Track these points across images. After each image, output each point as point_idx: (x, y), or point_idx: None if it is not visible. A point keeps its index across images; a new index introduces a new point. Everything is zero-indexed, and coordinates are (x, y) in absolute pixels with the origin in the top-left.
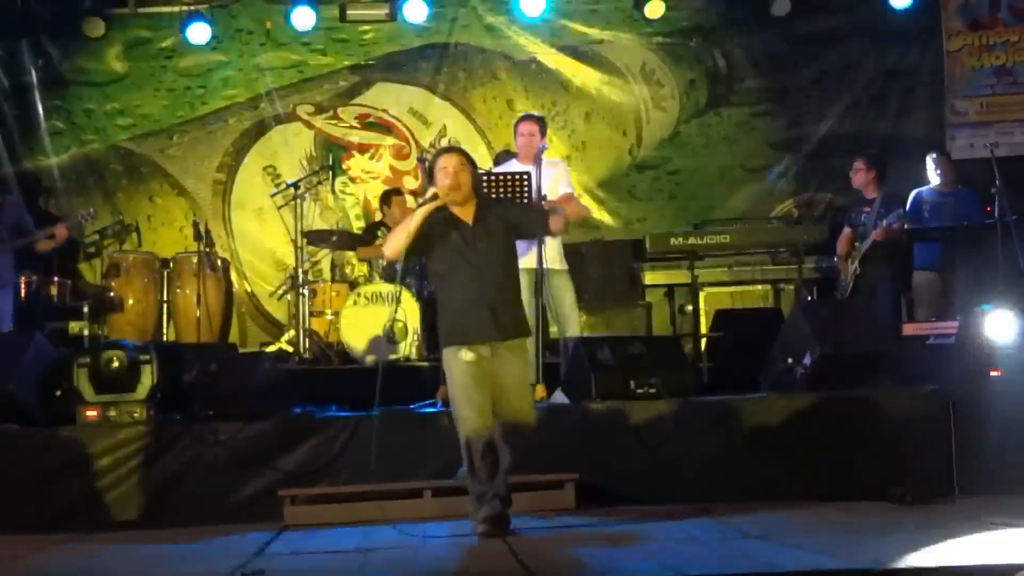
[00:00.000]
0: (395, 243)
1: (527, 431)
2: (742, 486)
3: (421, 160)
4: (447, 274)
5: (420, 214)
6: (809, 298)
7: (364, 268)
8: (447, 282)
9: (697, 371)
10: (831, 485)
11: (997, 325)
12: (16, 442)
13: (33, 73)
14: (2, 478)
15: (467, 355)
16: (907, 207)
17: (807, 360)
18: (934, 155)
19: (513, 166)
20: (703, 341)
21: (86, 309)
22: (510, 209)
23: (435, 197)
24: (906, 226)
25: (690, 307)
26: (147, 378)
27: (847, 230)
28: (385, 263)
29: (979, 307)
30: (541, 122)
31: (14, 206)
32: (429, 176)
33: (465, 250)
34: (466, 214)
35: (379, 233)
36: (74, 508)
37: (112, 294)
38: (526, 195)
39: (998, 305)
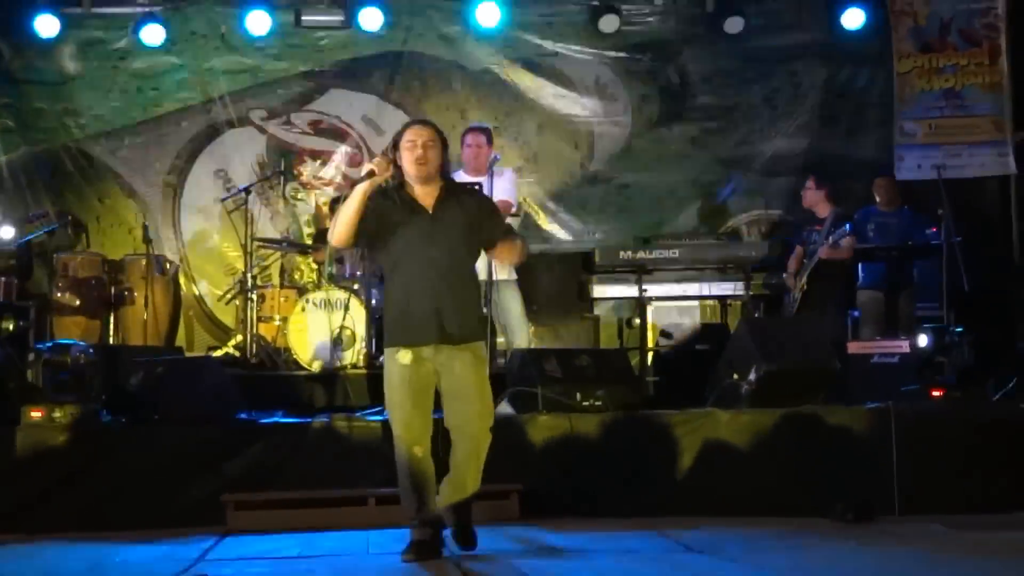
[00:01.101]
0: (338, 230)
1: (476, 440)
2: (687, 500)
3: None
4: (396, 264)
5: (358, 195)
6: (756, 315)
7: (313, 275)
8: (395, 273)
9: (644, 385)
10: (775, 500)
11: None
12: None
13: None
14: None
15: (405, 357)
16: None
17: (752, 376)
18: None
19: (460, 178)
20: (650, 355)
21: (32, 309)
22: (482, 207)
23: (371, 174)
24: (852, 245)
25: (638, 321)
26: (93, 380)
27: (798, 248)
28: (332, 259)
29: (922, 326)
30: (487, 133)
31: None
32: (394, 148)
33: (419, 239)
34: (427, 198)
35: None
36: (16, 510)
37: (59, 295)
38: None
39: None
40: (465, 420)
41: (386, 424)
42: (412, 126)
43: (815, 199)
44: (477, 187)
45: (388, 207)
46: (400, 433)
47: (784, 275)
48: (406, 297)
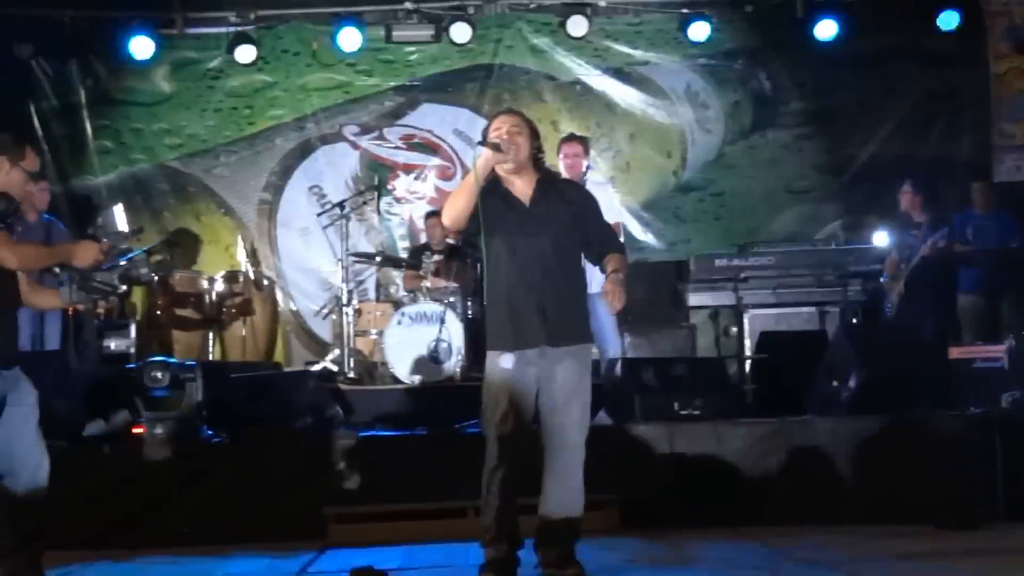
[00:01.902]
0: (454, 208)
1: (576, 453)
2: (788, 509)
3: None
4: (496, 262)
5: (481, 166)
6: (854, 320)
7: (409, 288)
8: (496, 272)
9: (741, 393)
10: (876, 508)
11: None
12: (62, 459)
13: (82, 93)
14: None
15: (508, 361)
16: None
17: (852, 383)
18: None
19: None
20: (747, 363)
21: (133, 327)
22: (588, 209)
23: (497, 147)
24: (954, 247)
25: (735, 329)
26: (193, 396)
27: (893, 253)
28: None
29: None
30: (584, 142)
31: (61, 233)
32: (482, 144)
33: (518, 234)
34: (523, 191)
35: (423, 258)
36: (119, 525)
37: (159, 312)
38: None
39: None
40: (565, 432)
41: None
42: (498, 115)
43: (912, 203)
44: None
45: (485, 202)
46: (495, 442)
47: (882, 279)
48: (508, 297)
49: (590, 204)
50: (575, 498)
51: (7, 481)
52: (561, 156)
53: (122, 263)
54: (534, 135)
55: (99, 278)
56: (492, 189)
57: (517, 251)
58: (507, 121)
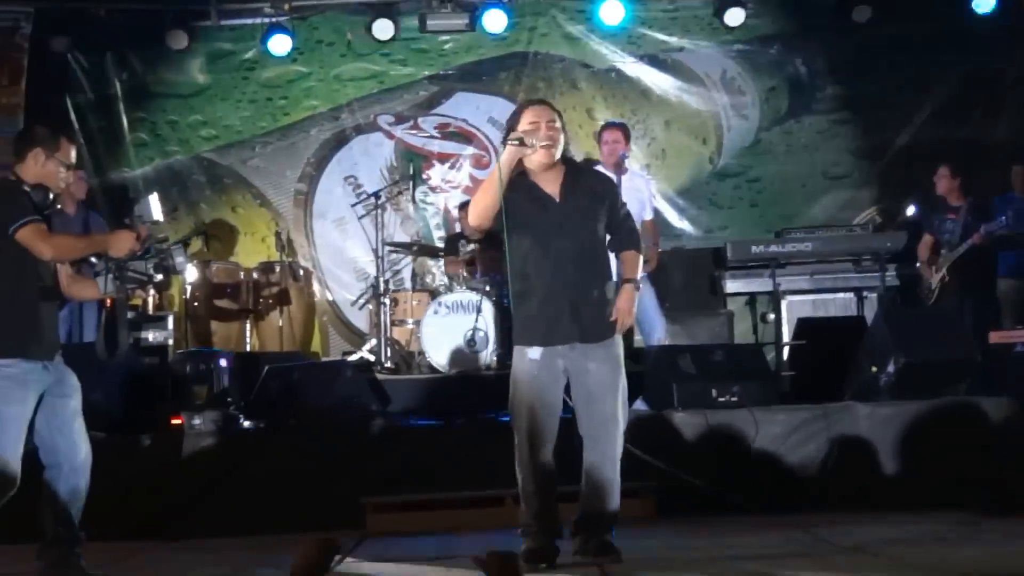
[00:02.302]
0: (480, 206)
1: (612, 445)
2: (826, 496)
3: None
4: (525, 258)
5: (506, 163)
6: (892, 306)
7: (445, 277)
8: (525, 268)
9: (779, 380)
10: (916, 494)
11: None
12: (101, 450)
13: (117, 85)
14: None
15: (535, 355)
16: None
17: (891, 368)
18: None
19: None
20: (785, 349)
21: (171, 319)
22: (612, 201)
23: (521, 142)
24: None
25: (772, 315)
26: (231, 387)
27: (928, 237)
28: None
29: None
30: (624, 129)
31: (99, 224)
32: (504, 139)
33: (549, 230)
34: (551, 185)
35: (459, 245)
36: (158, 517)
37: (196, 304)
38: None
39: None
40: (600, 424)
41: None
42: (530, 106)
43: (949, 187)
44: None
45: (512, 199)
46: (524, 436)
47: (918, 265)
48: (538, 293)
49: (614, 196)
50: (612, 488)
51: (49, 473)
52: (602, 143)
53: (157, 252)
54: (563, 128)
55: (134, 267)
56: (518, 184)
57: (548, 247)
58: (542, 115)
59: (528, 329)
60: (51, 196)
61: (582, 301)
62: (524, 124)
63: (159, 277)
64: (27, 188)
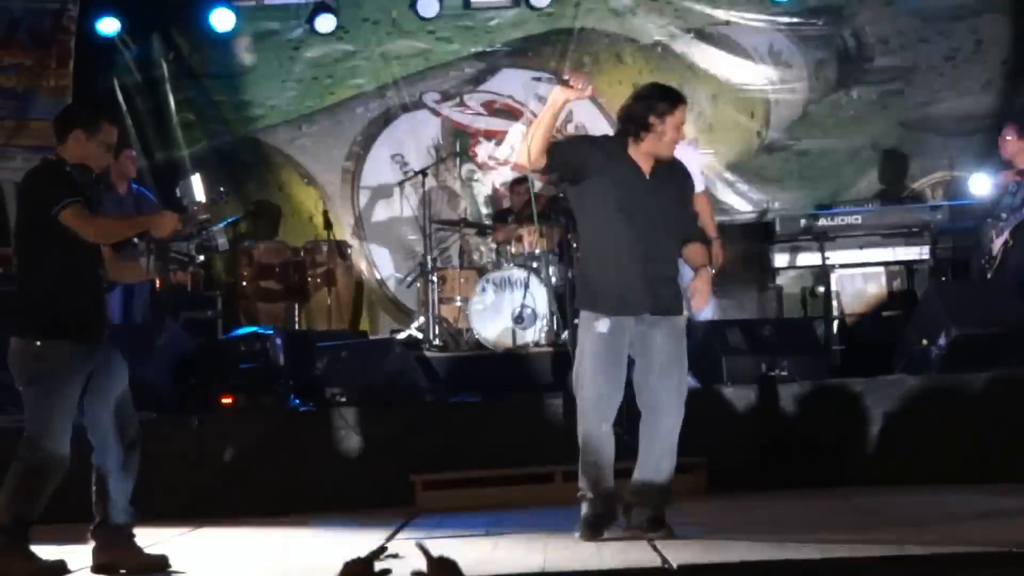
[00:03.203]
0: (531, 145)
1: (673, 417)
2: (877, 469)
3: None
4: (606, 224)
5: (550, 109)
6: (944, 278)
7: (492, 255)
8: (603, 234)
9: (830, 354)
10: (967, 467)
11: None
12: (152, 430)
13: (164, 67)
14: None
15: (604, 326)
16: None
17: (942, 341)
18: None
19: None
20: (835, 323)
21: (219, 299)
22: (687, 193)
23: (567, 86)
24: None
25: (821, 289)
26: (280, 366)
27: (990, 204)
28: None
29: None
30: None
31: (149, 202)
32: (627, 114)
33: (635, 202)
34: (644, 163)
35: (508, 220)
36: (209, 495)
37: (244, 283)
38: None
39: None
40: (664, 395)
41: (569, 399)
42: (681, 104)
43: (1016, 149)
44: None
45: (600, 159)
46: (589, 406)
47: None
48: (615, 261)
49: (690, 188)
50: (668, 462)
51: (99, 453)
52: None
53: (199, 233)
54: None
55: (176, 248)
56: (611, 152)
57: (632, 219)
58: (680, 118)
59: (601, 297)
60: (92, 176)
61: (656, 275)
62: (670, 119)
63: (200, 258)
64: (69, 168)
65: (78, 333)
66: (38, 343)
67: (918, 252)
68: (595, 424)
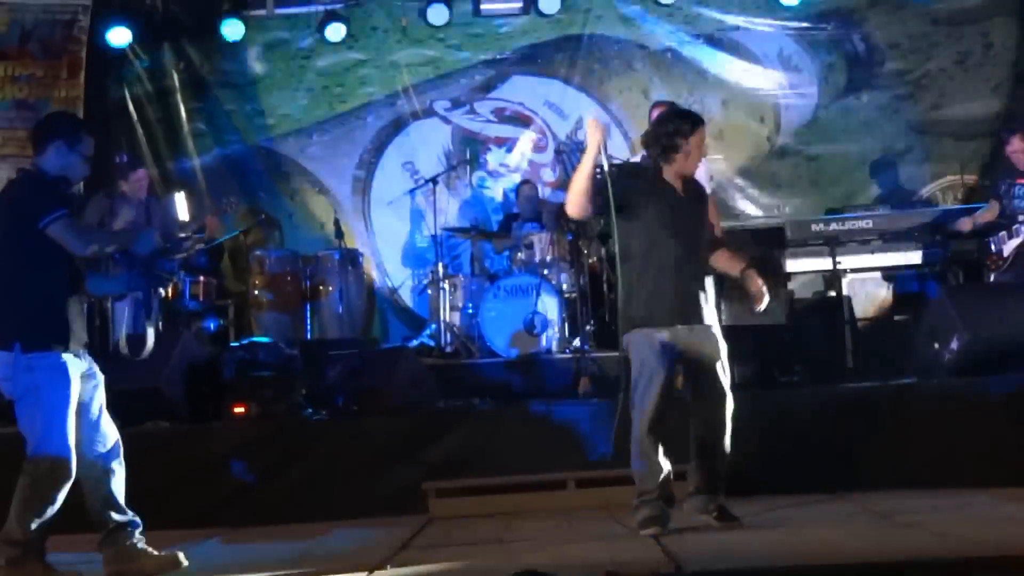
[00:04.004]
0: (572, 198)
1: (727, 414)
2: (889, 473)
3: (558, 152)
4: (651, 243)
5: (588, 161)
6: (955, 282)
7: (504, 261)
8: (650, 252)
9: (842, 358)
10: (980, 471)
11: None
12: (165, 438)
13: (175, 76)
14: (151, 474)
15: (663, 336)
16: None
17: (954, 345)
18: None
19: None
20: (847, 328)
21: (231, 308)
22: (706, 201)
23: (596, 140)
24: None
25: (833, 293)
26: (292, 375)
27: (993, 203)
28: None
29: None
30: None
31: (161, 212)
32: (655, 139)
33: (674, 218)
34: (675, 181)
35: (517, 228)
36: (222, 503)
37: (256, 292)
38: None
39: None
40: (718, 397)
41: (580, 408)
42: (701, 125)
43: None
44: None
45: (636, 186)
46: (648, 411)
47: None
48: (664, 276)
49: (708, 200)
50: (725, 454)
51: (87, 464)
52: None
53: (182, 251)
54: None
55: (158, 265)
56: (640, 174)
57: (672, 233)
58: (702, 139)
59: (652, 311)
60: (73, 188)
61: (697, 286)
62: (694, 139)
63: (177, 278)
64: (52, 180)
65: (65, 342)
66: (28, 355)
67: (929, 256)
68: (651, 427)
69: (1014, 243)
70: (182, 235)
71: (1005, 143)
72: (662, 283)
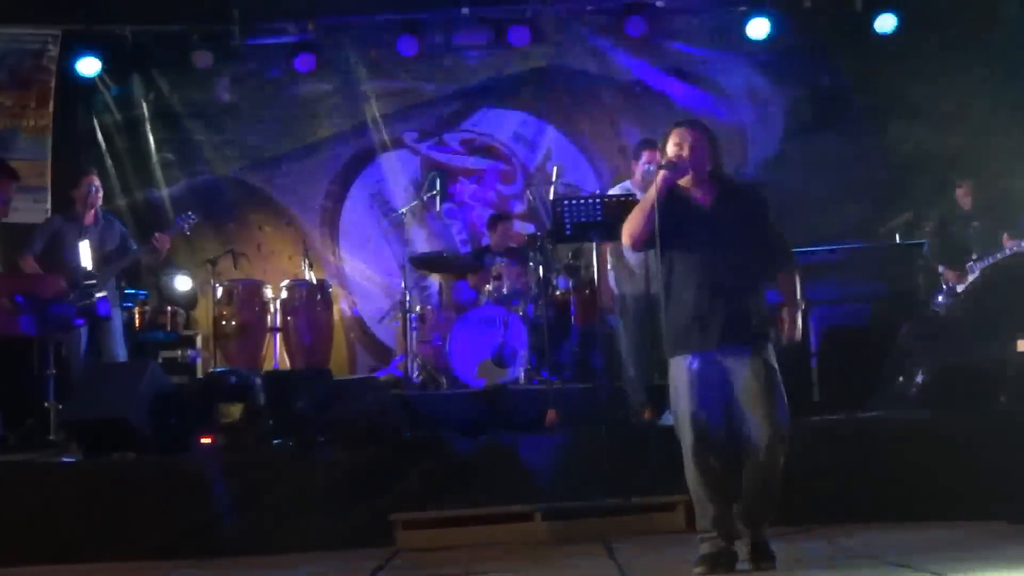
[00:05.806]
0: (634, 226)
1: (770, 450)
2: (855, 506)
3: (527, 185)
4: (677, 266)
5: (661, 186)
6: (920, 314)
7: (471, 292)
8: (675, 276)
9: (807, 390)
10: (947, 504)
11: None
12: (132, 469)
13: (144, 106)
14: (118, 505)
15: (694, 363)
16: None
17: (919, 378)
18: None
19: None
20: (812, 360)
21: (199, 339)
22: (763, 215)
23: (672, 166)
24: None
25: None
26: (259, 405)
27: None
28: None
29: None
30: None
31: (117, 232)
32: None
33: (701, 239)
34: (704, 198)
35: (485, 260)
36: (188, 534)
37: (223, 323)
38: None
39: None
40: (757, 428)
41: (548, 440)
42: (676, 128)
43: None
44: None
45: (663, 210)
46: (692, 441)
47: (940, 271)
48: (690, 301)
49: (767, 213)
50: (773, 492)
51: None
52: (643, 163)
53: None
54: (714, 145)
55: (55, 310)
56: (669, 195)
57: (700, 256)
58: (685, 137)
59: (682, 338)
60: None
61: (736, 308)
62: (669, 147)
63: (79, 322)
64: None
65: None
66: None
67: (894, 289)
68: (700, 457)
69: (969, 279)
70: (88, 283)
71: (958, 190)
72: (690, 306)
